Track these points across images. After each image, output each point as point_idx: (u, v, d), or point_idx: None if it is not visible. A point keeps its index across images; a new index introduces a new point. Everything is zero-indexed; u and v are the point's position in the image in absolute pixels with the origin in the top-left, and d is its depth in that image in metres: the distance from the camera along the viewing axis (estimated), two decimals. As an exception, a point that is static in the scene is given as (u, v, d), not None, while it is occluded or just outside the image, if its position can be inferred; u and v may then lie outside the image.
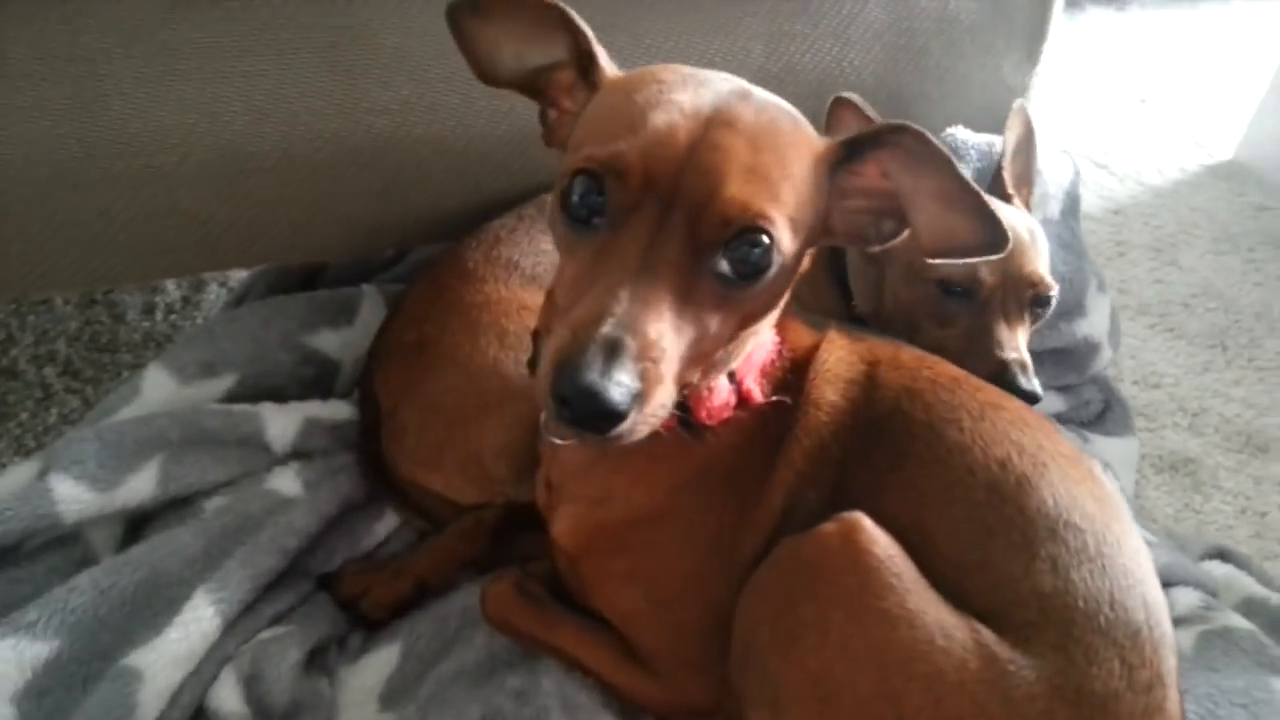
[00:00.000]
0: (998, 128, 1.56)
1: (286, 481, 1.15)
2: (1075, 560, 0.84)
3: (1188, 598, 1.20)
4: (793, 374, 0.96)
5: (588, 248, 0.76)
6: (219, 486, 1.15)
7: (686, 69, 0.83)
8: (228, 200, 1.14)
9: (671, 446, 0.90)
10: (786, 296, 0.87)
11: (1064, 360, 1.51)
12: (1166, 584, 1.19)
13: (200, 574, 1.04)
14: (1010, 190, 1.29)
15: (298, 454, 1.20)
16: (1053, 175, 1.48)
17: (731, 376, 0.90)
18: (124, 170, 1.06)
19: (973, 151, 1.41)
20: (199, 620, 0.99)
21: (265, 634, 1.04)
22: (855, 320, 1.30)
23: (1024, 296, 1.20)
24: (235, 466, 1.15)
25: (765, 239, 0.75)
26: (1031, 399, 1.14)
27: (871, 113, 1.12)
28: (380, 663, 1.07)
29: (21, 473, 1.10)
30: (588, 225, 0.76)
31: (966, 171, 1.35)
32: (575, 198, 0.76)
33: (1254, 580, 1.29)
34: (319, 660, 1.08)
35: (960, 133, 1.43)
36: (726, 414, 0.90)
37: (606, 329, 0.69)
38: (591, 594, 0.99)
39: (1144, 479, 1.60)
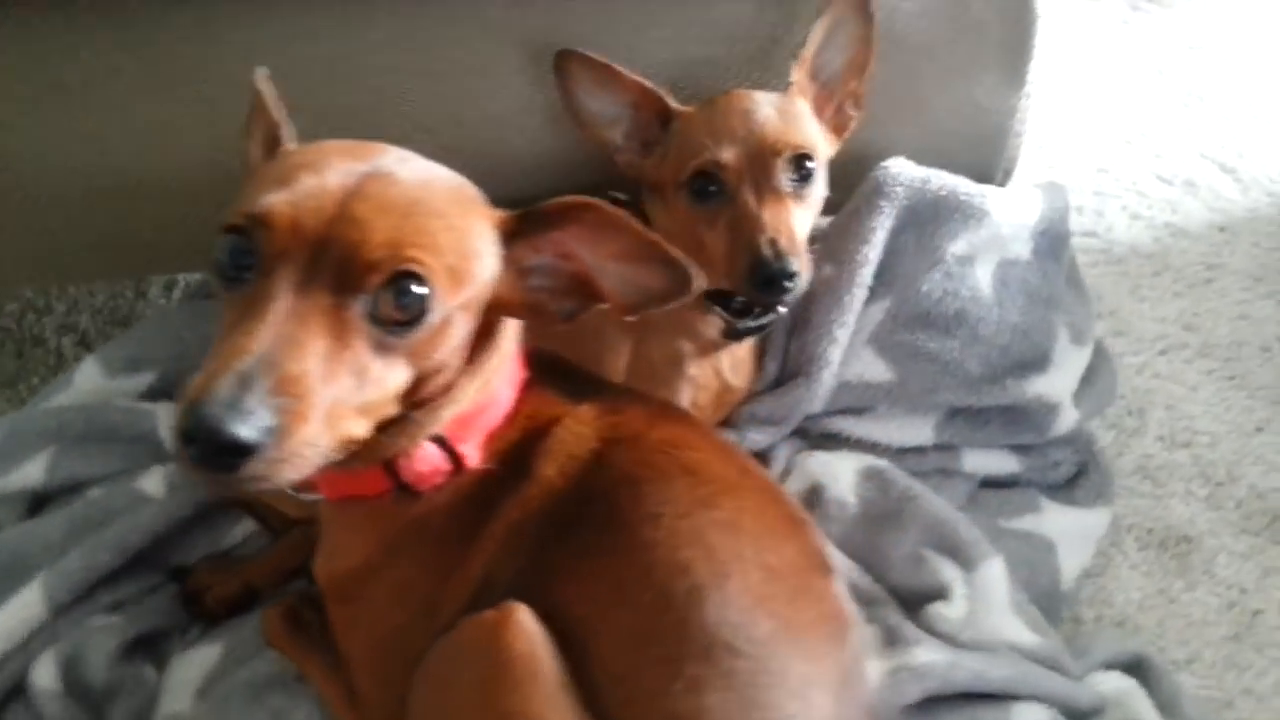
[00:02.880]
0: (977, 155, 1.42)
1: (153, 482, 1.25)
2: (718, 685, 0.79)
3: (1034, 714, 1.07)
4: (524, 444, 0.95)
5: (239, 302, 0.76)
6: (103, 479, 1.27)
7: (355, 142, 0.84)
8: (123, 218, 1.25)
9: (389, 505, 0.93)
10: (487, 354, 0.89)
11: (1015, 419, 1.35)
12: (1012, 697, 1.08)
13: (49, 561, 1.16)
14: (794, 78, 1.20)
15: (183, 454, 1.30)
16: (1011, 214, 1.31)
17: (444, 441, 0.91)
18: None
19: (899, 189, 1.28)
20: (27, 605, 1.12)
21: (95, 621, 1.16)
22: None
23: (773, 169, 1.12)
24: (118, 462, 1.28)
25: (420, 285, 0.76)
26: (780, 282, 1.08)
27: (601, 59, 1.15)
28: (204, 657, 1.16)
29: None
30: (240, 282, 0.77)
31: (885, 206, 1.26)
32: (223, 257, 0.77)
33: (1152, 705, 1.12)
34: (158, 647, 1.19)
35: (895, 165, 1.30)
36: (438, 479, 0.92)
37: (242, 365, 0.68)
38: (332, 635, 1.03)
39: (1120, 554, 1.41)
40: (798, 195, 1.14)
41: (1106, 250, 1.89)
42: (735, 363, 1.29)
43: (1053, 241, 1.37)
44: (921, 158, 1.35)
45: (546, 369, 1.01)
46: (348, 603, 0.98)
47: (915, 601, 1.18)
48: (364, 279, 0.74)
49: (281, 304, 0.73)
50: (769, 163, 1.12)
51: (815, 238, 1.32)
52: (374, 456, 0.88)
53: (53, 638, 1.14)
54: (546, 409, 0.97)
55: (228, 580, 1.21)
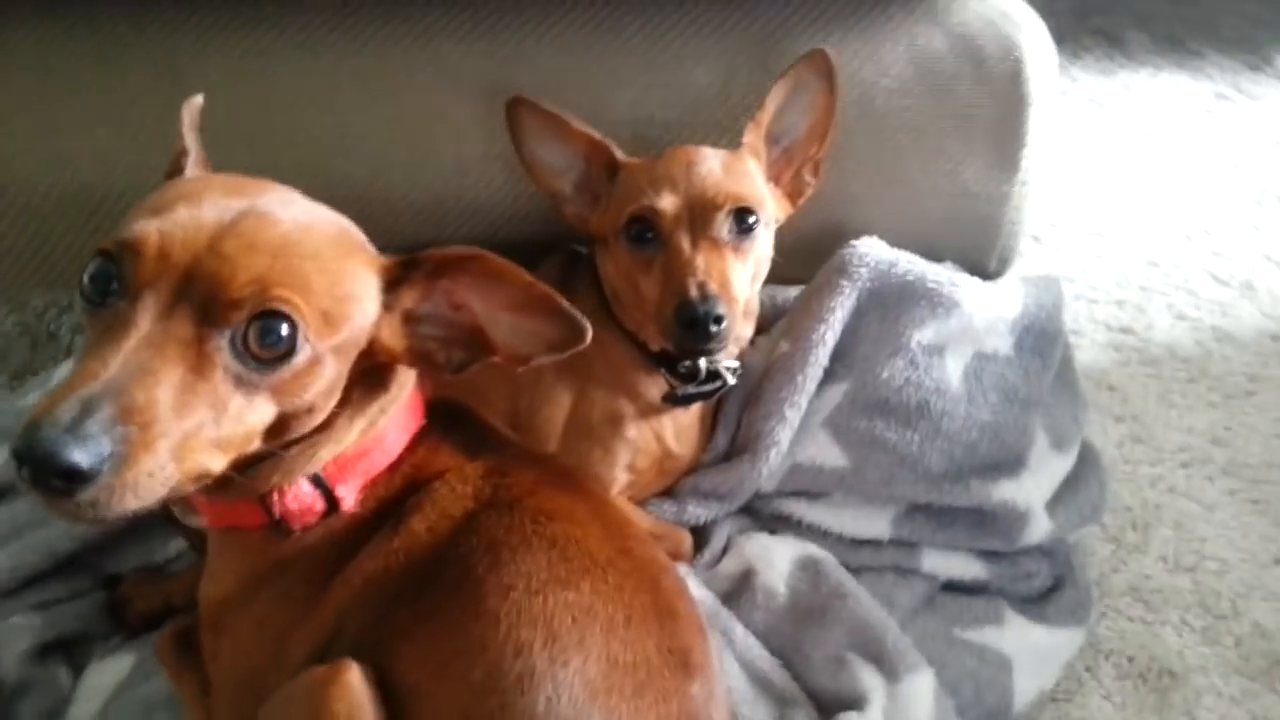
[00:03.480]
0: (967, 242, 1.36)
1: (96, 487, 1.27)
2: None
3: None
4: (404, 494, 0.93)
5: (100, 326, 0.76)
6: (57, 480, 1.30)
7: (243, 178, 0.84)
8: (93, 233, 1.29)
9: (262, 539, 0.92)
10: (371, 398, 0.88)
11: (982, 523, 1.26)
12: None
13: (-16, 558, 1.20)
14: (746, 138, 1.18)
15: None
16: (986, 306, 1.24)
17: (322, 482, 0.89)
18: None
19: (863, 269, 1.22)
20: (-50, 598, 1.15)
21: (15, 619, 1.18)
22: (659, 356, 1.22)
23: (713, 220, 1.10)
24: (70, 465, 1.31)
25: (287, 325, 0.75)
26: (706, 325, 1.06)
27: (551, 108, 1.15)
28: (119, 667, 1.17)
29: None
30: (103, 307, 0.76)
31: (846, 286, 1.21)
32: (87, 280, 0.77)
33: None
34: (77, 651, 1.20)
35: (863, 245, 1.25)
36: (311, 519, 0.91)
37: (88, 390, 0.68)
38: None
39: (1094, 680, 1.30)
40: (737, 248, 1.12)
41: (1141, 350, 1.78)
42: (679, 430, 1.25)
43: (1038, 338, 1.28)
44: (906, 240, 1.29)
45: (449, 420, 0.99)
46: (216, 632, 0.97)
47: (832, 707, 1.11)
48: (228, 314, 0.74)
49: (140, 331, 0.72)
50: (709, 214, 1.10)
51: (775, 313, 1.28)
52: (249, 489, 0.87)
53: (-26, 631, 1.16)
54: (435, 461, 0.95)
55: (151, 594, 1.22)
